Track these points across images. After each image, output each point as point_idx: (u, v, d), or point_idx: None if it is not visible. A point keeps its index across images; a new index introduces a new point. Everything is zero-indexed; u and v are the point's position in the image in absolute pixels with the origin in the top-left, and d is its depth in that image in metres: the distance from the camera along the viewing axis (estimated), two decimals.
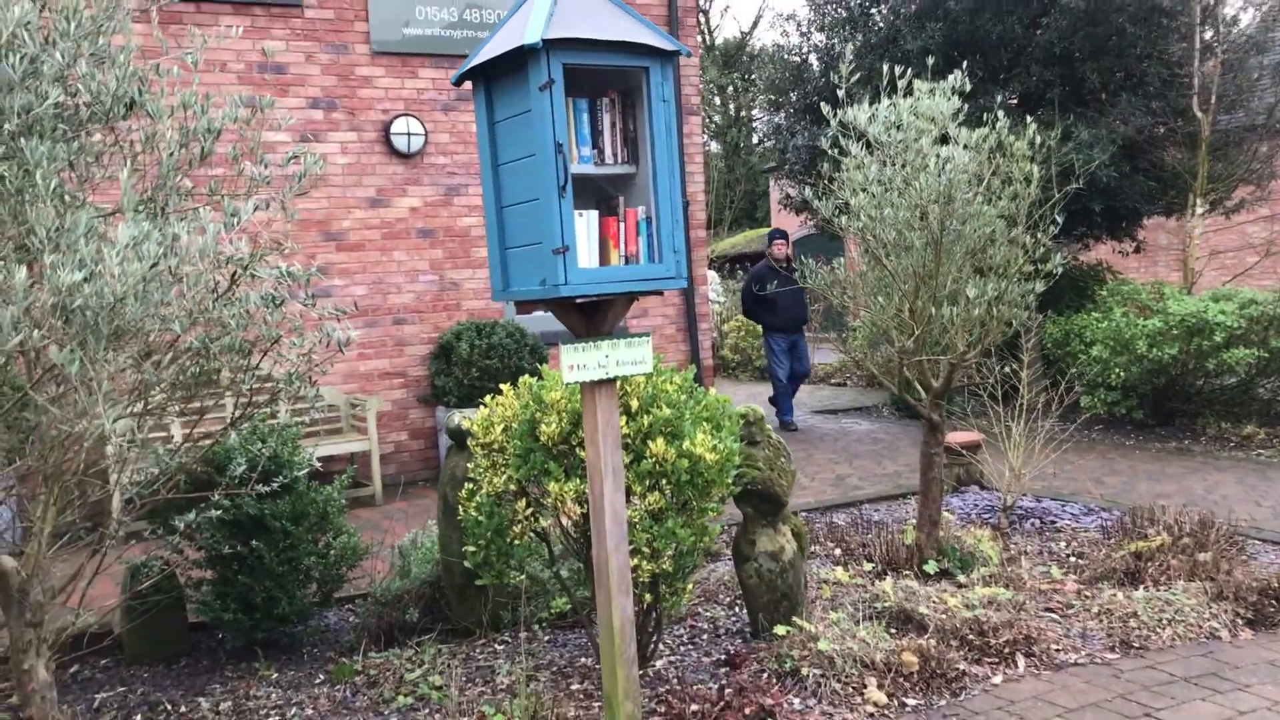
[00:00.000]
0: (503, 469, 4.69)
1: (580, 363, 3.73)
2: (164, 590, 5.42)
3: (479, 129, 3.82)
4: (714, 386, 11.58)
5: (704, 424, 4.67)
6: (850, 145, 5.72)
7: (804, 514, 7.64)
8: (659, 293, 3.84)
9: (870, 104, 5.70)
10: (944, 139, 5.77)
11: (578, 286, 3.53)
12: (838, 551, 6.66)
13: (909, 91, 5.71)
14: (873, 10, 12.29)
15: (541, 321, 10.22)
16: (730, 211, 33.22)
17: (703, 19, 41.05)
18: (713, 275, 21.80)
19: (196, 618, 5.52)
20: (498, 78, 3.71)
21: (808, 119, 12.60)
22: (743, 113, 40.76)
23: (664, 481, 4.45)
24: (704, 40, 40.94)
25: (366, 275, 9.45)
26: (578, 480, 4.44)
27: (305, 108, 9.19)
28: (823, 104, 6.04)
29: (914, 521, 6.52)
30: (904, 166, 5.54)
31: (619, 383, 4.43)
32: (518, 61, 3.53)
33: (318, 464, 5.53)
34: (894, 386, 6.07)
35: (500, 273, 3.82)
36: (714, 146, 40.58)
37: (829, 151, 5.93)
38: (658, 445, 4.42)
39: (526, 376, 4.87)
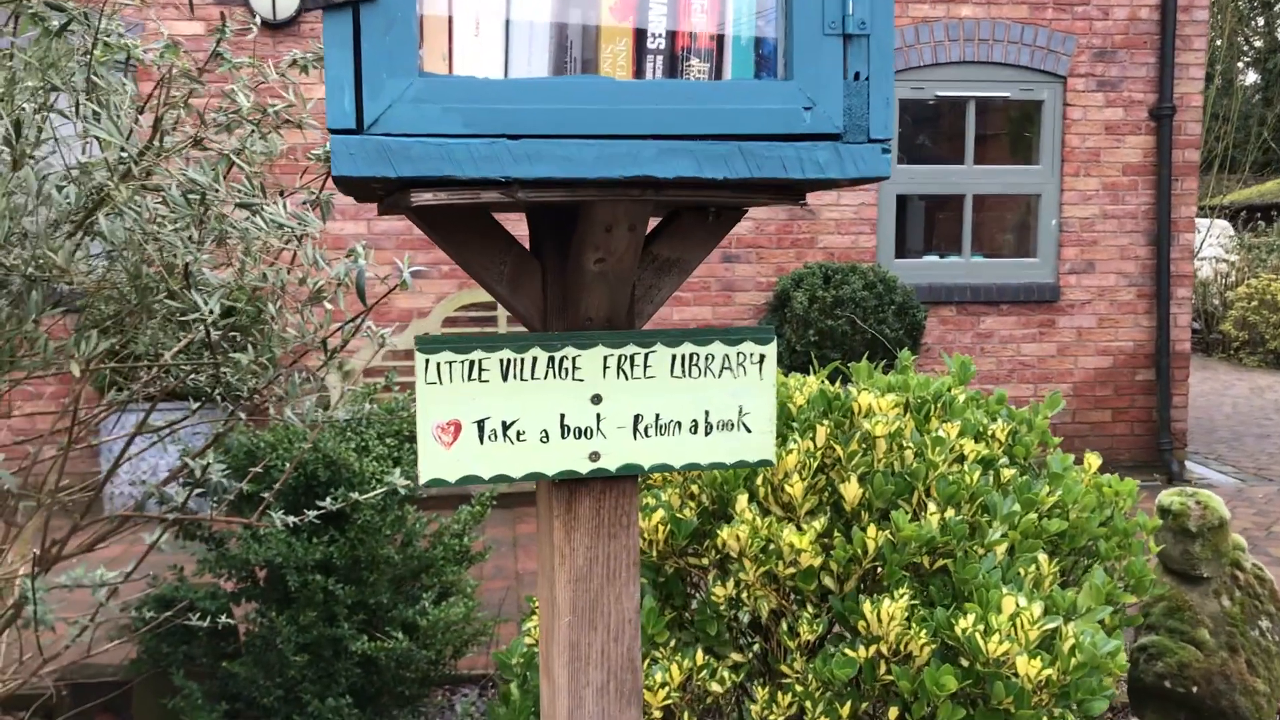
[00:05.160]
0: None
1: (501, 415, 1.12)
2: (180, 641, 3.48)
3: None
4: (1189, 377, 8.00)
5: (1039, 561, 1.86)
6: None
7: None
8: (793, 193, 1.10)
9: None
10: None
11: (416, 154, 0.92)
12: None
13: None
14: None
15: (925, 269, 7.34)
16: (1253, 151, 26.96)
17: None
18: (1223, 225, 17.14)
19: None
20: None
21: None
22: None
23: (890, 709, 1.72)
24: None
25: None
26: (687, 655, 1.85)
27: None
28: None
29: None
30: None
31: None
32: None
33: (401, 484, 3.28)
34: None
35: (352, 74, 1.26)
36: (1250, 77, 33.69)
37: None
38: (890, 614, 1.70)
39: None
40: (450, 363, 1.09)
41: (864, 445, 1.92)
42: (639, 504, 1.22)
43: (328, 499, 3.01)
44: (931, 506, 1.84)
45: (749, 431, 1.17)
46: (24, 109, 2.43)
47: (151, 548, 2.83)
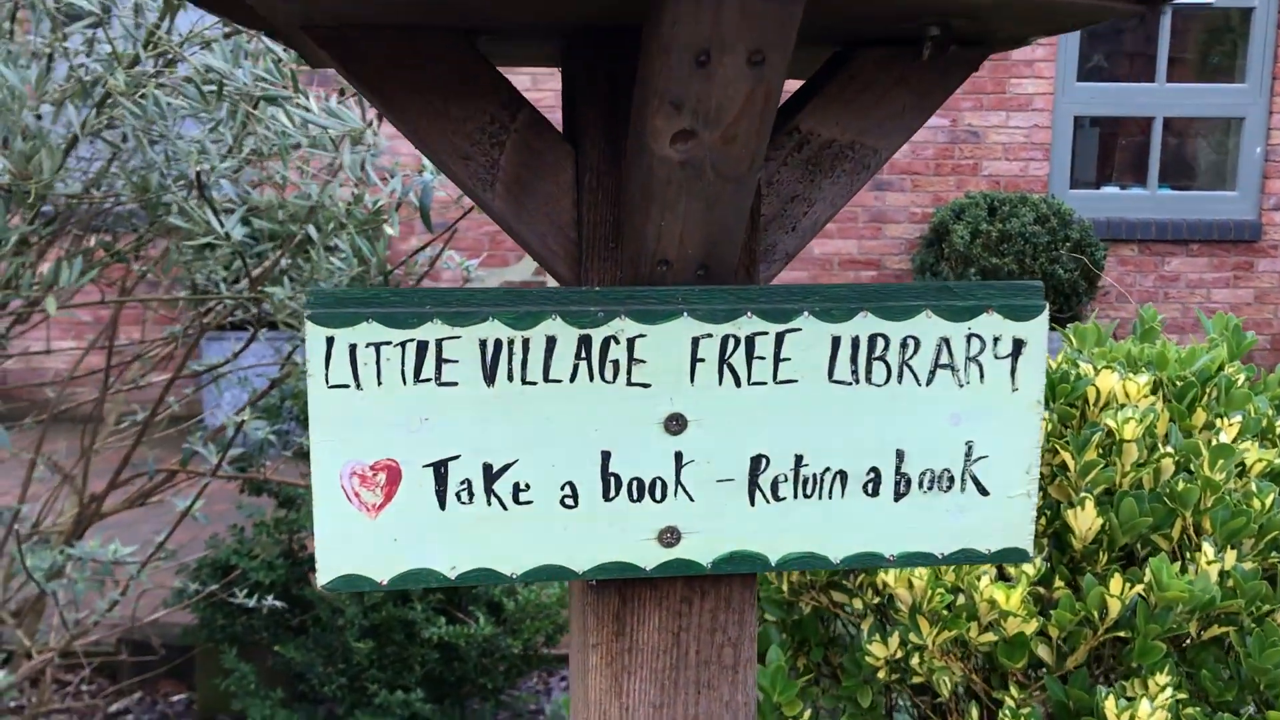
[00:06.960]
0: None
1: (483, 454, 0.54)
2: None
3: None
4: None
5: None
6: None
7: None
8: None
9: None
10: None
11: None
12: None
13: None
14: None
15: (1103, 201, 6.50)
16: None
17: None
18: None
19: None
20: None
21: None
22: None
23: None
24: None
25: None
26: None
27: None
28: None
29: None
30: None
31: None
32: None
33: None
34: None
35: None
36: None
37: None
38: None
39: None
40: (377, 346, 0.54)
41: (1102, 451, 1.31)
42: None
43: None
44: (1208, 549, 1.22)
45: (984, 493, 0.59)
46: None
47: (185, 515, 2.40)
